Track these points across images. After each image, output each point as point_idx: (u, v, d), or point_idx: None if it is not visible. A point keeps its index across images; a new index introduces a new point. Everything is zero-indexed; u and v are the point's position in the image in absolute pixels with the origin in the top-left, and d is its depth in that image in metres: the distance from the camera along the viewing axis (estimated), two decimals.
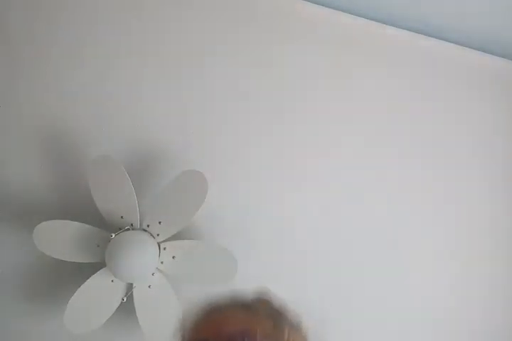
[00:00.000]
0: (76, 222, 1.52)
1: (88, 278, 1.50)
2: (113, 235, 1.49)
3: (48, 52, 1.69)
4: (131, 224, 1.52)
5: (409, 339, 1.73)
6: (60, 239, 1.52)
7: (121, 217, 1.52)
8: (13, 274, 1.58)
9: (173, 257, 1.53)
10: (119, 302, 1.53)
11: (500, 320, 1.79)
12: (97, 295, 1.52)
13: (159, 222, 1.52)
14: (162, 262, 1.53)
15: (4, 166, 1.63)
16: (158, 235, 1.53)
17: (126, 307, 1.53)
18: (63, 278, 1.58)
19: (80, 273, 1.53)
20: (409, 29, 1.89)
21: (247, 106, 1.77)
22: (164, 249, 1.53)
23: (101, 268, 1.51)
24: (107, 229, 1.52)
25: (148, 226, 1.52)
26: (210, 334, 0.97)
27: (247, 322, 0.98)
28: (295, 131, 1.78)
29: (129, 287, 1.54)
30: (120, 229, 1.52)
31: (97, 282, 1.51)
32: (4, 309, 1.57)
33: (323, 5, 1.85)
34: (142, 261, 1.49)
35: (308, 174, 1.76)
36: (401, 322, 1.74)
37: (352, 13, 1.87)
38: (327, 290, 1.71)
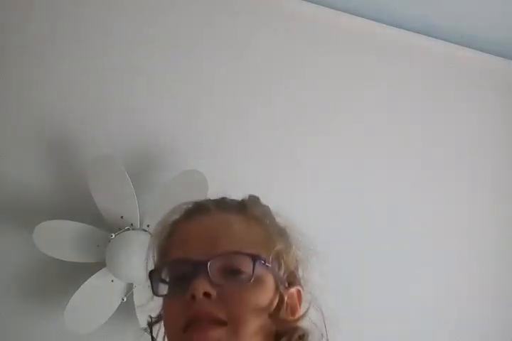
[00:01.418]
0: (76, 222, 1.52)
1: (88, 278, 1.50)
2: (113, 235, 1.49)
3: (48, 50, 1.69)
4: (131, 224, 1.52)
5: (409, 339, 1.73)
6: (60, 239, 1.52)
7: (121, 217, 1.52)
8: (13, 274, 1.58)
9: None
10: (119, 302, 1.53)
11: (502, 320, 1.79)
12: (97, 295, 1.51)
13: None
14: None
15: (4, 166, 1.62)
16: None
17: (126, 307, 1.52)
18: (63, 278, 1.58)
19: (80, 273, 1.53)
20: (409, 29, 1.90)
21: (248, 106, 1.77)
22: None
23: (101, 268, 1.51)
24: (107, 229, 1.52)
25: (148, 226, 1.52)
26: (203, 250, 0.75)
27: (252, 239, 0.79)
28: (295, 131, 1.78)
29: (129, 287, 1.54)
30: (120, 229, 1.51)
31: (97, 282, 1.51)
32: (4, 309, 1.56)
33: (322, 5, 1.86)
34: (142, 261, 1.48)
35: (309, 174, 1.76)
36: (401, 322, 1.74)
37: (351, 13, 1.88)
38: (327, 289, 1.71)
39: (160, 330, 0.80)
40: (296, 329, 0.78)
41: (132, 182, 1.50)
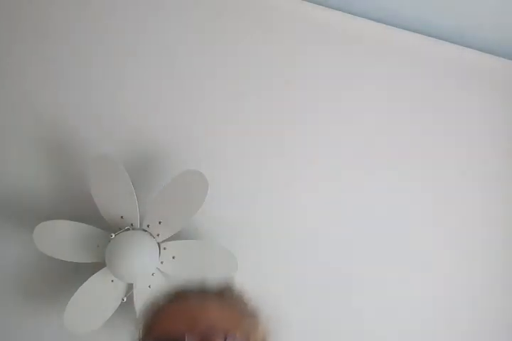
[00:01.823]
0: (76, 222, 1.52)
1: (88, 278, 1.50)
2: (113, 235, 1.49)
3: (49, 50, 1.69)
4: (131, 224, 1.52)
5: (410, 339, 1.73)
6: (60, 239, 1.52)
7: (121, 217, 1.52)
8: (13, 274, 1.58)
9: (173, 257, 1.53)
10: (119, 302, 1.53)
11: (504, 320, 1.79)
12: (97, 295, 1.51)
13: (159, 222, 1.51)
14: (162, 262, 1.53)
15: (3, 166, 1.63)
16: (158, 235, 1.53)
17: (126, 307, 1.52)
18: (63, 278, 1.58)
19: (80, 273, 1.53)
20: (409, 29, 1.90)
21: (249, 106, 1.77)
22: (164, 248, 1.53)
23: (101, 268, 1.51)
24: (107, 229, 1.52)
25: (148, 226, 1.52)
26: (183, 327, 0.87)
27: (226, 319, 0.91)
28: (295, 131, 1.78)
29: (129, 287, 1.54)
30: (120, 229, 1.51)
31: (97, 282, 1.51)
32: (4, 309, 1.56)
33: (321, 5, 1.86)
34: (142, 261, 1.48)
35: (311, 173, 1.76)
36: (401, 322, 1.74)
37: (351, 13, 1.88)
38: (327, 289, 1.71)
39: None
40: None
41: (132, 182, 1.51)
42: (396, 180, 1.82)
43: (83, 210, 1.57)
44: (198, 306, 0.92)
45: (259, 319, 0.93)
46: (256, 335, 0.91)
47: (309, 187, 1.76)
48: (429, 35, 1.91)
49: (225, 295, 0.95)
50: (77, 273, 1.54)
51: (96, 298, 1.52)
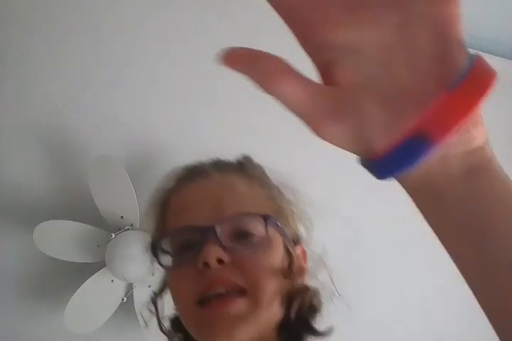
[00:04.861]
0: (76, 222, 1.52)
1: (88, 278, 1.50)
2: (113, 235, 1.49)
3: (49, 50, 1.69)
4: (131, 224, 1.52)
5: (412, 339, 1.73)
6: (60, 239, 1.52)
7: (121, 217, 1.52)
8: (12, 274, 1.58)
9: None
10: (119, 302, 1.53)
11: None
12: (97, 295, 1.51)
13: None
14: None
15: (3, 166, 1.62)
16: None
17: (126, 307, 1.52)
18: (63, 278, 1.58)
19: (80, 273, 1.53)
20: None
21: (250, 107, 1.77)
22: None
23: (101, 268, 1.51)
24: (106, 229, 1.52)
25: None
26: (208, 212, 0.69)
27: (258, 199, 0.74)
28: (295, 131, 1.78)
29: (129, 287, 1.54)
30: (120, 229, 1.51)
31: (97, 282, 1.51)
32: (4, 309, 1.56)
33: None
34: (142, 261, 1.48)
35: (312, 173, 1.76)
36: (402, 322, 1.74)
37: None
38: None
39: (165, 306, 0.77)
40: (306, 289, 0.75)
41: (132, 182, 1.50)
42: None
43: (83, 210, 1.57)
44: (220, 186, 0.74)
45: (288, 197, 0.79)
46: (290, 218, 0.78)
47: (312, 187, 1.75)
48: None
49: (248, 171, 0.79)
50: (77, 273, 1.54)
51: (96, 298, 1.52)
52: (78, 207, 1.59)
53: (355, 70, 0.35)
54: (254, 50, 0.37)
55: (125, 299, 1.52)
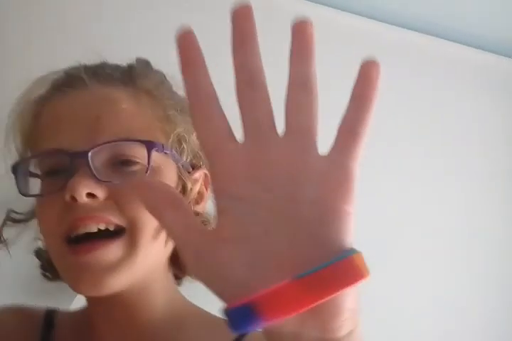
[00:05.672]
0: None
1: None
2: None
3: (49, 47, 1.69)
4: None
5: (415, 339, 1.73)
6: None
7: None
8: (13, 274, 1.58)
9: None
10: None
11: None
12: None
13: None
14: None
15: (3, 166, 1.62)
16: None
17: None
18: None
19: None
20: (408, 28, 1.90)
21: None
22: None
23: None
24: None
25: None
26: (76, 137, 0.56)
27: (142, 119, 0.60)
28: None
29: None
30: None
31: None
32: None
33: (319, 3, 1.86)
34: None
35: None
36: (407, 321, 1.74)
37: (350, 12, 1.87)
38: None
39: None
40: (203, 215, 0.65)
41: None
42: (393, 181, 1.82)
43: None
44: (98, 102, 0.60)
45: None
46: (191, 141, 0.65)
47: None
48: (429, 35, 1.91)
49: (138, 82, 0.64)
50: None
51: None
52: None
53: (237, 224, 0.36)
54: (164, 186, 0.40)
55: None
